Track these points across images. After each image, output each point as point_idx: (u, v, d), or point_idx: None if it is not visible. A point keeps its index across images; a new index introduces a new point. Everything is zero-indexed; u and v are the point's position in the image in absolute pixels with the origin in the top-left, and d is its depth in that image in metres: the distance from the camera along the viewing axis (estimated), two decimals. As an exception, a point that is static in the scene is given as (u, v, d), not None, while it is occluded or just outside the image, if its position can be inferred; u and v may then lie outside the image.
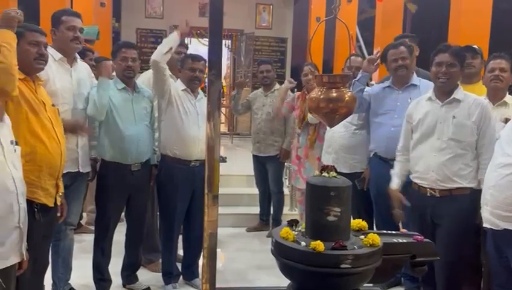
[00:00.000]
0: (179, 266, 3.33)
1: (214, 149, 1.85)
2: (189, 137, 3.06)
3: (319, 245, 1.69)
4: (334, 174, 1.81)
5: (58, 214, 2.45)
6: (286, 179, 4.91)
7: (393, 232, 2.03)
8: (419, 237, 1.95)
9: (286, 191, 4.82)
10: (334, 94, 1.81)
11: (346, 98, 1.82)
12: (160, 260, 3.37)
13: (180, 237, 3.33)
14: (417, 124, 2.71)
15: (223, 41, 1.83)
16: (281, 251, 1.79)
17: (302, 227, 1.90)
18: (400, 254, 1.89)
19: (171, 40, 3.05)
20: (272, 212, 4.62)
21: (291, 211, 4.83)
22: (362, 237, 1.85)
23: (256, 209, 4.75)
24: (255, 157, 4.58)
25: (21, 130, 2.13)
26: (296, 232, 1.85)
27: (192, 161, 3.09)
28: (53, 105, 2.44)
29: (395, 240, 1.91)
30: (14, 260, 1.73)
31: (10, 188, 1.68)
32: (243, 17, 9.27)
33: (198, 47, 8.88)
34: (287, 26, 9.83)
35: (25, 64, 2.27)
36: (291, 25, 9.82)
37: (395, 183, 2.82)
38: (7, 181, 1.67)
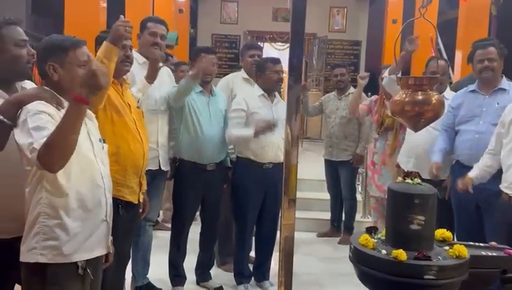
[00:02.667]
0: (251, 267, 3.37)
1: (291, 153, 1.84)
2: (264, 140, 3.08)
3: (401, 254, 1.62)
4: (419, 180, 1.73)
5: (140, 211, 2.57)
6: (359, 184, 4.80)
7: (481, 244, 1.90)
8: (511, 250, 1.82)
9: (359, 197, 4.71)
10: (420, 97, 1.73)
11: (433, 101, 1.74)
12: (233, 261, 3.42)
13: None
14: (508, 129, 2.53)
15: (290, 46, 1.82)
16: (359, 258, 1.74)
17: (382, 234, 1.84)
18: (489, 268, 1.77)
19: (246, 136, 3.05)
20: (343, 218, 4.53)
21: (364, 218, 4.72)
22: (447, 247, 1.75)
23: (327, 215, 4.69)
24: (327, 161, 4.52)
25: (106, 131, 2.24)
26: (375, 240, 1.80)
27: (265, 164, 3.11)
28: (138, 107, 2.57)
29: (483, 253, 1.79)
30: (100, 252, 1.80)
31: (99, 184, 1.76)
32: (316, 20, 9.21)
33: (270, 51, 8.96)
34: (361, 29, 9.63)
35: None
36: (366, 27, 9.61)
37: (473, 173, 2.67)
38: (96, 177, 1.75)
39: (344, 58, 9.42)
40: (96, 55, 2.37)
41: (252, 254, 3.42)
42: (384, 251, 1.69)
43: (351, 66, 9.25)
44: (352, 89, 4.49)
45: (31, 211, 1.64)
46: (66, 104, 1.70)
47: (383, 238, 1.81)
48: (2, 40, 1.75)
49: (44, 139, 1.50)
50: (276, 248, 3.28)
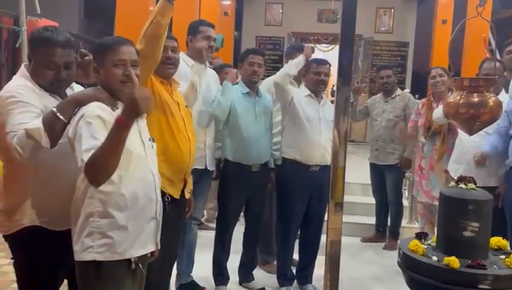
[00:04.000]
0: (294, 270, 3.35)
1: (339, 156, 1.82)
2: (310, 142, 3.06)
3: (453, 261, 1.57)
4: (473, 186, 1.67)
5: (186, 209, 2.62)
6: (405, 189, 4.68)
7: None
8: None
9: (405, 202, 4.59)
10: (476, 99, 1.67)
11: (490, 104, 1.67)
12: (275, 262, 3.42)
13: (296, 241, 3.35)
14: None
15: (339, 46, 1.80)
16: (409, 264, 1.70)
17: (432, 241, 1.79)
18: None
19: (298, 63, 3.09)
20: (389, 223, 4.43)
21: (411, 224, 4.59)
22: (503, 257, 1.68)
23: (372, 220, 4.59)
24: (373, 165, 4.43)
25: (155, 129, 2.28)
26: (425, 246, 1.75)
27: (312, 166, 3.09)
28: (186, 106, 2.62)
29: (542, 264, 1.70)
30: (150, 248, 1.84)
31: (149, 182, 1.80)
32: (362, 21, 9.07)
33: (315, 53, 8.90)
34: (408, 30, 9.40)
35: (159, 67, 2.45)
36: (414, 28, 9.37)
37: None
38: (147, 175, 1.79)
39: (390, 60, 9.22)
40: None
41: (295, 256, 3.40)
42: (435, 258, 1.64)
43: (398, 68, 9.05)
44: (399, 91, 4.39)
45: (84, 209, 1.68)
46: (119, 104, 1.76)
47: (434, 244, 1.76)
48: (56, 64, 1.81)
49: (93, 151, 1.55)
50: (321, 251, 3.26)
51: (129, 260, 1.73)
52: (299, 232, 3.31)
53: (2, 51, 5.25)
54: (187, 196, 2.54)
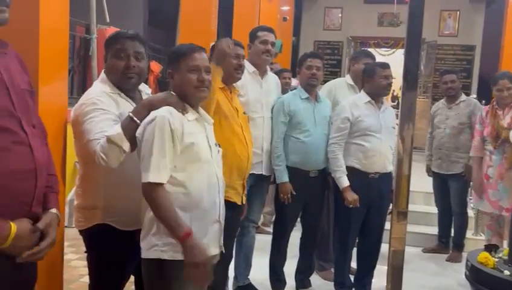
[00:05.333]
0: (352, 278, 3.29)
1: (404, 164, 1.77)
2: (370, 150, 3.00)
3: (528, 278, 1.48)
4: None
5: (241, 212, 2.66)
6: (471, 199, 4.46)
7: None
8: None
9: (470, 212, 4.38)
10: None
11: None
12: (333, 269, 3.37)
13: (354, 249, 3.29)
14: None
15: (401, 50, 1.76)
16: (478, 277, 1.62)
17: (503, 253, 1.69)
18: None
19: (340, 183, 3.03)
20: (452, 234, 4.24)
21: (476, 235, 4.37)
22: None
23: (434, 230, 4.42)
24: (436, 174, 4.27)
25: (215, 134, 2.34)
26: (496, 259, 1.66)
27: (371, 173, 3.03)
28: (244, 113, 2.66)
29: None
30: (214, 251, 1.86)
31: (214, 185, 1.84)
32: (425, 24, 8.72)
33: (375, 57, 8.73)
34: (475, 33, 8.98)
35: (227, 73, 2.53)
36: (481, 31, 8.94)
37: None
38: (212, 179, 1.83)
39: (455, 64, 8.84)
40: (210, 60, 2.51)
41: (353, 264, 3.34)
42: (507, 272, 1.56)
43: (463, 72, 8.66)
44: (463, 97, 4.20)
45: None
46: (189, 109, 1.82)
47: (505, 257, 1.67)
48: (126, 52, 1.92)
49: (160, 173, 1.67)
50: (380, 261, 3.18)
51: None
52: (357, 240, 3.25)
53: (74, 58, 5.57)
54: (244, 200, 2.58)
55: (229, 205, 2.42)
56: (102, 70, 2.01)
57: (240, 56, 2.56)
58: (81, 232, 1.98)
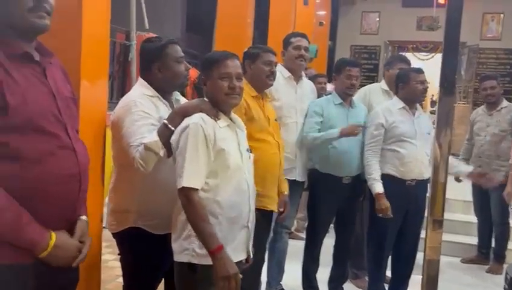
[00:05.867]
0: (387, 287, 3.23)
1: (440, 170, 1.73)
2: (406, 157, 2.94)
3: None
4: None
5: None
6: (512, 209, 4.29)
7: None
8: None
9: (512, 223, 4.22)
10: None
11: None
12: (367, 277, 3.32)
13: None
14: None
15: (440, 54, 1.71)
16: (518, 292, 1.56)
17: (546, 268, 1.62)
18: None
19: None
20: (493, 245, 4.09)
21: (519, 247, 4.20)
22: None
23: (473, 240, 4.29)
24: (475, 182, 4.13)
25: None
26: (538, 273, 1.59)
27: (408, 180, 2.97)
28: (276, 120, 2.67)
29: None
30: (242, 256, 1.89)
31: (244, 191, 1.86)
32: (466, 28, 8.47)
33: (413, 62, 8.56)
34: (521, 36, 8.66)
35: (258, 81, 2.55)
36: (527, 34, 8.61)
37: None
38: (242, 184, 1.85)
39: (498, 69, 8.54)
40: (243, 67, 2.55)
41: (387, 273, 3.28)
42: (550, 287, 1.49)
43: (506, 78, 8.36)
44: (505, 103, 4.06)
45: (183, 213, 1.77)
46: (221, 115, 1.85)
47: (548, 272, 1.60)
48: (166, 58, 1.98)
49: (194, 178, 1.71)
50: (416, 270, 3.11)
51: None
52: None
53: (114, 64, 5.75)
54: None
55: (262, 211, 2.45)
56: (139, 76, 2.07)
57: (272, 63, 2.57)
58: (114, 235, 2.04)
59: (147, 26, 5.15)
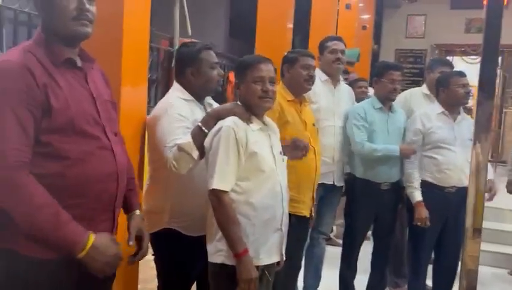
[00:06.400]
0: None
1: (479, 177, 1.66)
2: (445, 164, 2.86)
3: None
4: None
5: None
6: None
7: None
8: None
9: None
10: None
11: None
12: (407, 286, 3.23)
13: (430, 266, 3.13)
14: None
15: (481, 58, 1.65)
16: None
17: None
18: None
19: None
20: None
21: None
22: None
23: (524, 251, 4.09)
24: (527, 191, 3.94)
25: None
26: None
27: (447, 187, 2.87)
28: (313, 124, 2.66)
29: None
30: (275, 258, 1.90)
31: (278, 194, 1.87)
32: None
33: (461, 65, 8.28)
34: None
35: (296, 85, 2.56)
36: None
37: None
38: (276, 187, 1.87)
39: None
40: (281, 71, 2.55)
41: (428, 282, 3.18)
42: None
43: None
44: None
45: None
46: (254, 119, 1.87)
47: None
48: (201, 63, 2.03)
49: (224, 180, 1.74)
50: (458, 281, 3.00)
51: (257, 267, 1.80)
52: (433, 256, 3.09)
53: (159, 70, 5.90)
54: (313, 211, 2.58)
55: (298, 216, 2.45)
56: (174, 81, 2.14)
57: (310, 67, 2.57)
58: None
59: (189, 32, 5.26)
